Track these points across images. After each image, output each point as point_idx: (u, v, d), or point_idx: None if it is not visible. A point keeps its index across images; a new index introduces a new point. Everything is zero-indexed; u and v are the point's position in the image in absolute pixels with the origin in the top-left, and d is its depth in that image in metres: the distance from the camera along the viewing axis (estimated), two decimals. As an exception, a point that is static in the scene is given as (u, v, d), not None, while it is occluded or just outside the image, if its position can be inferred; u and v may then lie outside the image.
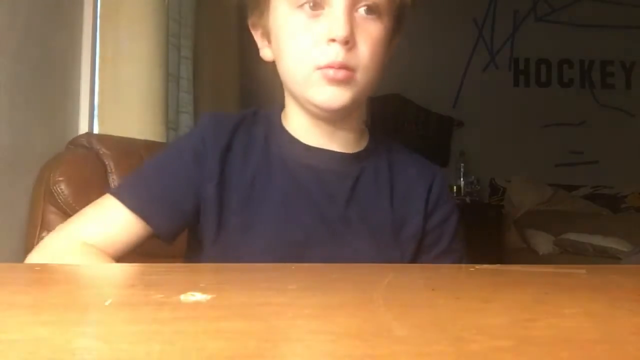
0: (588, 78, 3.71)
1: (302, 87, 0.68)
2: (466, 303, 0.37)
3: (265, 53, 0.74)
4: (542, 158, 3.57)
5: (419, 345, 0.26)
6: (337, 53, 0.64)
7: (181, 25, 1.46)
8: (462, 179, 3.40)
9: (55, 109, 1.16)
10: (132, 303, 0.35)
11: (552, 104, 3.64)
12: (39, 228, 0.98)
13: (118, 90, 1.24)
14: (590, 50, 3.67)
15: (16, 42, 1.01)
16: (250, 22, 0.75)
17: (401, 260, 0.73)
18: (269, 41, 0.72)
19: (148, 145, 1.15)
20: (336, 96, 0.66)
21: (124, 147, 1.09)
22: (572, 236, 2.85)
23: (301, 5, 0.66)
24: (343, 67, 0.65)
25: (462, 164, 3.42)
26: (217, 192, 0.69)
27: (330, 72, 0.65)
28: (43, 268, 0.57)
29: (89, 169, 1.02)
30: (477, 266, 0.53)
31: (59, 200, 0.97)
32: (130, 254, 0.69)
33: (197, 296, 0.34)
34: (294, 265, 0.55)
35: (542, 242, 2.98)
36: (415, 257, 0.75)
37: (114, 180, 1.03)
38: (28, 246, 0.98)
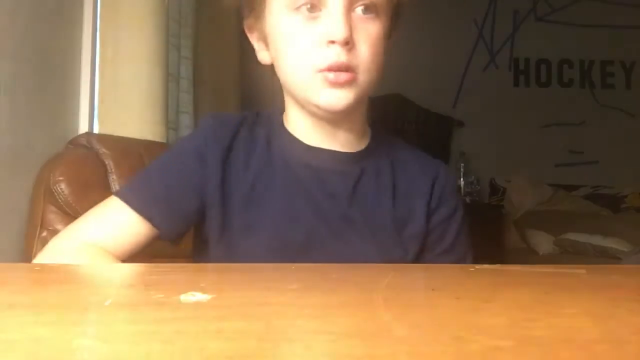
0: (588, 78, 3.71)
1: (303, 90, 0.68)
2: (466, 303, 0.37)
3: (263, 56, 0.74)
4: (542, 158, 3.57)
5: (419, 345, 0.26)
6: (337, 54, 0.64)
7: (181, 25, 1.46)
8: (462, 179, 3.39)
9: (55, 109, 1.16)
10: (132, 303, 0.35)
11: (552, 104, 3.64)
12: (39, 228, 0.98)
13: (118, 90, 1.24)
14: (590, 50, 3.67)
15: (16, 42, 1.01)
16: (246, 25, 0.75)
17: (405, 258, 0.73)
18: (266, 44, 0.72)
19: (147, 145, 1.15)
20: (339, 98, 0.66)
21: (124, 147, 1.09)
22: (572, 236, 2.85)
23: (298, 8, 0.66)
24: (344, 68, 0.65)
25: (462, 164, 3.42)
26: (219, 192, 0.70)
27: (331, 75, 0.65)
28: (43, 268, 0.57)
29: (89, 168, 1.02)
30: (477, 266, 0.53)
31: (59, 200, 0.97)
32: (137, 254, 0.69)
33: (197, 296, 0.34)
34: (294, 265, 0.55)
35: (542, 242, 2.98)
36: (419, 255, 0.74)
37: (113, 180, 1.04)
38: (28, 246, 0.98)
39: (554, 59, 3.71)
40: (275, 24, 0.69)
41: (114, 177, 1.04)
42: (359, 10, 0.66)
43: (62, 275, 0.52)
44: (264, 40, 0.72)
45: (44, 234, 0.97)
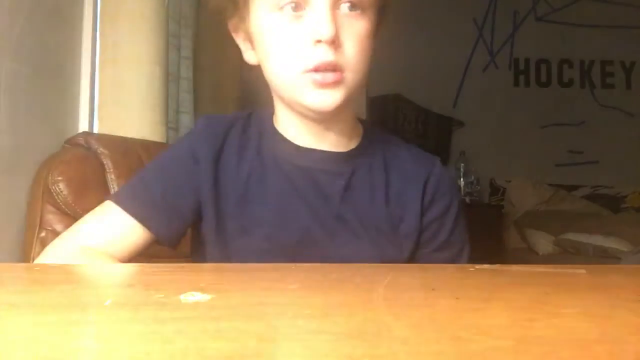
0: (588, 78, 3.71)
1: (291, 91, 0.68)
2: (466, 303, 0.37)
3: (249, 57, 0.73)
4: (542, 158, 3.57)
5: (419, 345, 0.26)
6: (324, 54, 0.63)
7: (181, 26, 1.46)
8: (462, 179, 3.39)
9: (55, 109, 1.16)
10: (132, 303, 0.35)
11: (552, 104, 3.64)
12: (37, 228, 0.98)
13: (118, 90, 1.24)
14: (590, 50, 3.67)
15: (16, 42, 1.01)
16: (230, 26, 0.74)
17: (400, 256, 0.72)
18: (252, 44, 0.71)
19: (146, 144, 1.15)
20: (327, 99, 0.65)
21: (122, 147, 1.09)
22: (572, 236, 2.85)
23: (282, 7, 0.65)
24: (331, 67, 0.64)
25: (462, 164, 3.42)
26: (213, 193, 0.69)
27: (319, 76, 0.64)
28: (43, 268, 0.57)
29: (88, 168, 1.02)
30: (477, 266, 0.53)
31: (58, 200, 0.97)
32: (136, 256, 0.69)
33: (197, 296, 0.34)
34: (294, 265, 0.55)
35: (542, 242, 2.98)
36: (414, 252, 0.74)
37: (112, 179, 1.03)
38: (27, 246, 0.98)
39: (554, 59, 3.71)
40: (260, 24, 0.68)
41: (113, 176, 1.03)
42: (344, 7, 0.65)
43: (62, 275, 0.52)
44: (250, 40, 0.71)
45: (43, 234, 0.97)
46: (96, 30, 1.26)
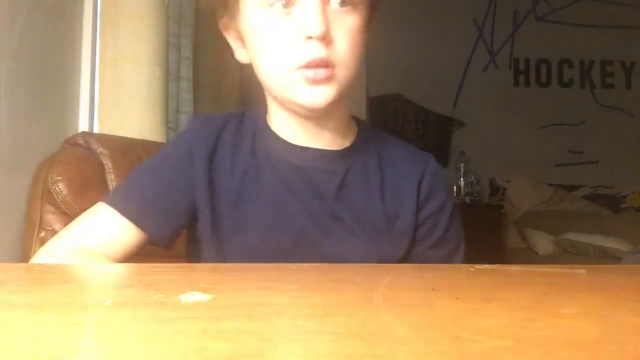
0: (588, 78, 3.71)
1: (283, 88, 0.67)
2: (466, 303, 0.37)
3: (240, 55, 0.73)
4: (542, 158, 3.57)
5: (419, 345, 0.26)
6: (315, 50, 0.63)
7: (181, 26, 1.46)
8: (462, 179, 3.39)
9: (55, 109, 1.16)
10: (132, 303, 0.35)
11: (552, 104, 3.64)
12: (37, 227, 0.98)
13: (118, 90, 1.24)
14: (590, 50, 3.67)
15: (16, 42, 1.01)
16: (221, 24, 0.73)
17: (396, 254, 0.72)
18: (243, 43, 0.71)
19: (145, 144, 1.15)
20: (319, 95, 0.65)
21: (121, 147, 1.09)
22: (572, 236, 2.85)
23: (272, 4, 0.64)
24: (323, 64, 0.63)
25: (462, 164, 3.42)
26: (208, 193, 0.69)
27: (310, 73, 0.64)
28: (43, 268, 0.57)
29: (87, 168, 1.02)
30: (477, 266, 0.53)
31: (58, 200, 0.97)
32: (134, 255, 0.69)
33: (197, 296, 0.34)
34: (294, 265, 0.55)
35: (542, 242, 2.98)
36: (410, 250, 0.74)
37: (112, 179, 1.03)
38: (26, 246, 0.98)
39: (554, 59, 3.72)
40: (250, 22, 0.68)
41: (112, 176, 1.03)
42: (334, 3, 0.64)
43: (62, 275, 0.52)
44: (241, 39, 0.71)
45: (43, 234, 0.97)
46: (96, 30, 1.26)
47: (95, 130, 1.24)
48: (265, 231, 0.69)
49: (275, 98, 0.71)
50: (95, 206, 0.69)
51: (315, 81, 0.64)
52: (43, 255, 0.67)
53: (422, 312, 0.34)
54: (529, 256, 2.94)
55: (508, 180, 3.53)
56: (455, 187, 3.37)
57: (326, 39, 0.63)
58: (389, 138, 0.80)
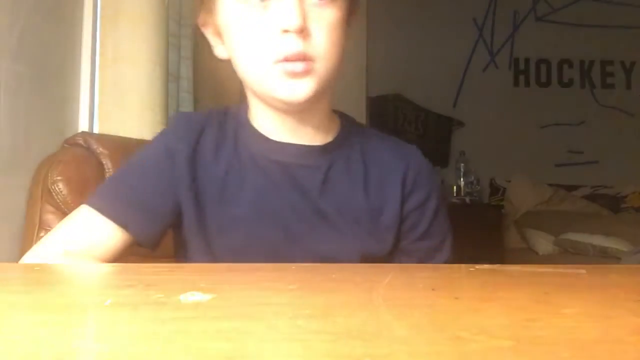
0: (588, 78, 3.71)
1: (262, 83, 0.66)
2: (466, 303, 0.37)
3: (219, 51, 0.72)
4: (542, 158, 3.57)
5: (419, 345, 0.26)
6: (292, 44, 0.62)
7: (181, 25, 1.46)
8: (462, 179, 3.39)
9: (55, 109, 1.16)
10: (132, 303, 0.35)
11: (552, 104, 3.64)
12: (37, 228, 0.98)
13: (118, 90, 1.24)
14: (590, 50, 3.67)
15: (16, 42, 1.01)
16: (199, 21, 0.73)
17: (381, 249, 0.72)
18: (222, 39, 0.70)
19: (144, 144, 1.15)
20: (298, 89, 0.64)
21: (121, 147, 1.09)
22: (572, 236, 2.85)
23: None
24: (301, 57, 0.63)
25: (462, 164, 3.42)
26: (191, 191, 0.68)
27: (289, 65, 0.63)
28: (43, 268, 0.57)
29: (87, 168, 1.02)
30: (477, 266, 0.53)
31: (57, 200, 0.97)
32: (129, 255, 0.69)
33: (197, 296, 0.34)
34: (294, 265, 0.55)
35: (542, 242, 2.98)
36: (396, 245, 0.73)
37: (113, 180, 1.03)
38: (26, 246, 0.98)
39: (554, 59, 3.71)
40: (227, 16, 0.67)
41: (114, 177, 1.03)
42: None
43: (62, 275, 0.52)
44: (219, 34, 0.70)
45: (42, 233, 0.97)
46: (96, 30, 1.26)
47: (95, 130, 1.24)
48: (249, 230, 0.69)
49: (255, 93, 0.70)
50: (78, 209, 0.68)
51: (294, 74, 0.63)
52: (29, 260, 0.65)
53: (422, 312, 0.34)
54: (529, 256, 2.94)
55: (508, 180, 3.53)
56: (455, 187, 3.37)
57: (304, 32, 0.62)
58: (373, 132, 0.79)
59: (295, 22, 0.61)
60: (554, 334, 0.28)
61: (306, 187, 0.70)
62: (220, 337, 0.26)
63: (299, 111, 0.69)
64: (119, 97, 1.23)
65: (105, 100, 1.24)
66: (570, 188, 3.53)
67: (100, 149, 1.05)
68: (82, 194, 0.98)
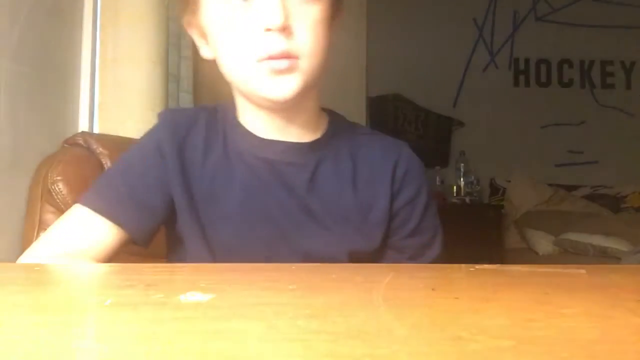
0: (588, 78, 3.71)
1: (247, 82, 0.66)
2: (466, 303, 0.37)
3: (205, 52, 0.71)
4: (542, 158, 3.57)
5: (419, 345, 0.26)
6: (275, 42, 0.62)
7: (181, 25, 1.46)
8: (462, 179, 3.39)
9: (55, 109, 1.16)
10: (132, 303, 0.35)
11: (552, 104, 3.64)
12: (37, 227, 0.98)
13: (118, 90, 1.24)
14: (590, 50, 3.66)
15: (16, 42, 1.01)
16: (184, 22, 0.72)
17: (370, 247, 0.71)
18: (206, 39, 0.70)
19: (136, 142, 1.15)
20: (284, 86, 0.64)
21: (121, 147, 1.09)
22: (572, 236, 2.85)
23: None
24: (285, 55, 0.62)
25: (462, 164, 3.42)
26: (182, 187, 0.68)
27: (273, 63, 0.62)
28: (43, 268, 0.57)
29: (87, 168, 1.02)
30: (477, 266, 0.53)
31: (57, 200, 0.97)
32: (129, 255, 0.69)
33: (197, 296, 0.34)
34: (294, 265, 0.55)
35: (542, 242, 2.98)
36: (384, 242, 0.73)
37: (113, 180, 1.03)
38: (26, 246, 0.98)
39: (554, 59, 3.71)
40: (210, 16, 0.67)
41: (114, 177, 1.03)
42: None
43: (62, 275, 0.52)
44: (203, 34, 0.70)
45: (42, 234, 0.97)
46: (96, 30, 1.26)
47: (95, 130, 1.24)
48: (239, 227, 0.69)
49: (241, 92, 0.70)
50: (71, 208, 0.68)
51: (279, 72, 0.63)
52: (25, 261, 0.66)
53: (422, 312, 0.34)
54: (529, 256, 2.94)
55: (508, 180, 3.53)
56: (455, 187, 3.37)
57: (286, 30, 0.62)
58: (362, 129, 0.79)
59: (277, 21, 0.61)
60: (554, 334, 0.28)
61: (293, 185, 0.70)
62: (220, 337, 0.26)
63: (285, 109, 0.69)
64: (119, 97, 1.24)
65: (105, 100, 1.24)
66: (570, 188, 3.53)
67: (100, 149, 1.05)
68: (82, 193, 0.98)
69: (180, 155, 0.69)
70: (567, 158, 3.62)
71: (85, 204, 0.67)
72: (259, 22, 0.62)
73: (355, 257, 0.70)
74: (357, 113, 2.72)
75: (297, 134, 0.72)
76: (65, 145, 1.09)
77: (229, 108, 0.74)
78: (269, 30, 0.62)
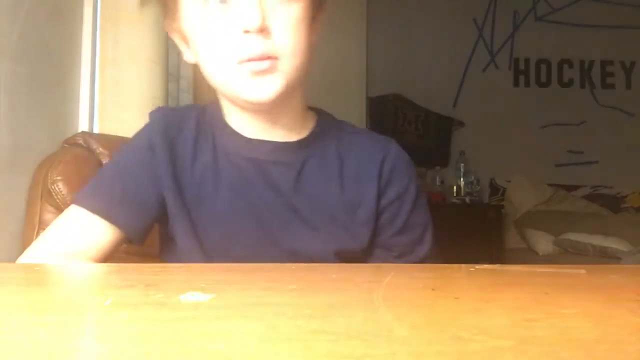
0: (588, 78, 3.71)
1: (228, 84, 0.66)
2: (466, 303, 0.37)
3: (187, 56, 0.71)
4: (542, 158, 3.57)
5: (419, 345, 0.26)
6: (255, 44, 0.62)
7: (181, 25, 1.46)
8: (462, 179, 3.39)
9: (55, 109, 1.16)
10: (132, 303, 0.35)
11: (552, 104, 3.64)
12: (37, 228, 0.98)
13: (118, 90, 1.24)
14: (590, 50, 3.66)
15: (16, 42, 1.01)
16: (166, 26, 0.73)
17: (357, 246, 0.71)
18: (187, 43, 0.70)
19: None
20: (265, 88, 0.63)
21: (120, 146, 1.09)
22: (572, 236, 2.85)
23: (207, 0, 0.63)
24: (265, 57, 0.62)
25: (462, 164, 3.42)
26: (174, 185, 0.68)
27: (253, 65, 0.62)
28: (42, 268, 0.57)
29: (87, 168, 1.02)
30: (477, 266, 0.53)
31: (57, 200, 0.97)
32: (130, 255, 0.69)
33: (197, 296, 0.34)
34: (294, 265, 0.55)
35: (542, 242, 2.98)
36: (373, 240, 0.72)
37: (113, 180, 1.03)
38: (26, 246, 0.98)
39: (554, 59, 3.71)
40: (189, 20, 0.67)
41: (114, 177, 1.03)
42: None
43: (62, 275, 0.52)
44: (185, 39, 0.70)
45: (41, 234, 0.97)
46: (96, 30, 1.26)
47: (95, 130, 1.24)
48: (227, 227, 0.69)
49: (224, 94, 0.70)
50: (68, 209, 0.69)
51: (260, 72, 0.63)
52: (24, 261, 0.66)
53: (422, 312, 0.34)
54: (529, 256, 2.94)
55: (508, 180, 3.53)
56: (455, 187, 3.37)
57: (265, 31, 0.62)
58: (349, 126, 0.79)
59: (255, 22, 0.61)
60: (554, 334, 0.28)
61: (279, 184, 0.70)
62: (220, 337, 0.26)
63: (269, 110, 0.69)
64: (119, 97, 1.24)
65: (105, 100, 1.24)
66: (570, 188, 3.53)
67: (100, 149, 1.05)
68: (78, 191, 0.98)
69: (172, 153, 0.69)
70: (567, 158, 3.62)
71: (81, 204, 0.67)
72: (237, 24, 0.62)
73: (343, 257, 0.69)
74: (357, 113, 2.72)
75: (283, 133, 0.71)
76: (65, 145, 1.09)
77: (218, 108, 0.74)
78: (247, 32, 0.61)
